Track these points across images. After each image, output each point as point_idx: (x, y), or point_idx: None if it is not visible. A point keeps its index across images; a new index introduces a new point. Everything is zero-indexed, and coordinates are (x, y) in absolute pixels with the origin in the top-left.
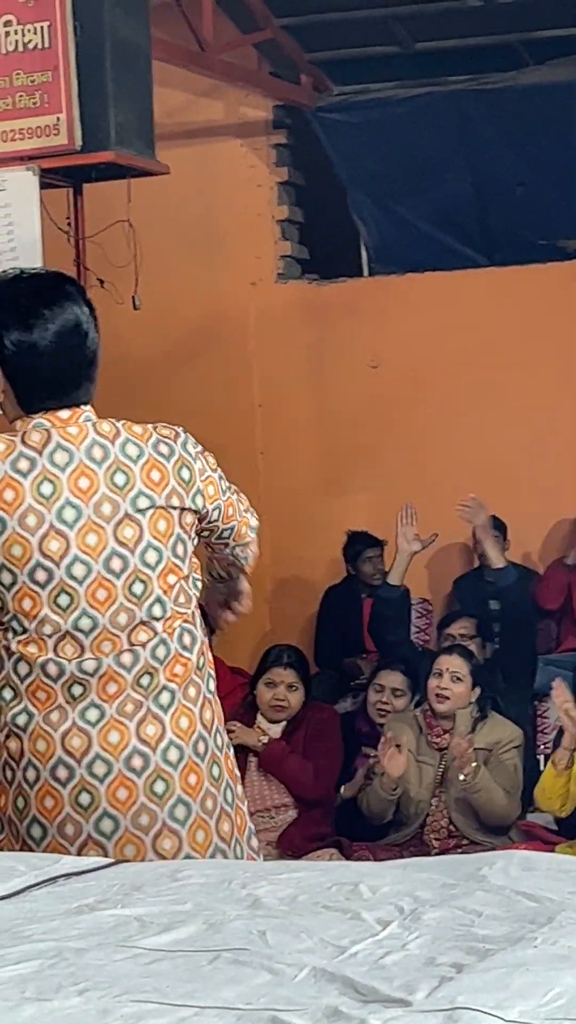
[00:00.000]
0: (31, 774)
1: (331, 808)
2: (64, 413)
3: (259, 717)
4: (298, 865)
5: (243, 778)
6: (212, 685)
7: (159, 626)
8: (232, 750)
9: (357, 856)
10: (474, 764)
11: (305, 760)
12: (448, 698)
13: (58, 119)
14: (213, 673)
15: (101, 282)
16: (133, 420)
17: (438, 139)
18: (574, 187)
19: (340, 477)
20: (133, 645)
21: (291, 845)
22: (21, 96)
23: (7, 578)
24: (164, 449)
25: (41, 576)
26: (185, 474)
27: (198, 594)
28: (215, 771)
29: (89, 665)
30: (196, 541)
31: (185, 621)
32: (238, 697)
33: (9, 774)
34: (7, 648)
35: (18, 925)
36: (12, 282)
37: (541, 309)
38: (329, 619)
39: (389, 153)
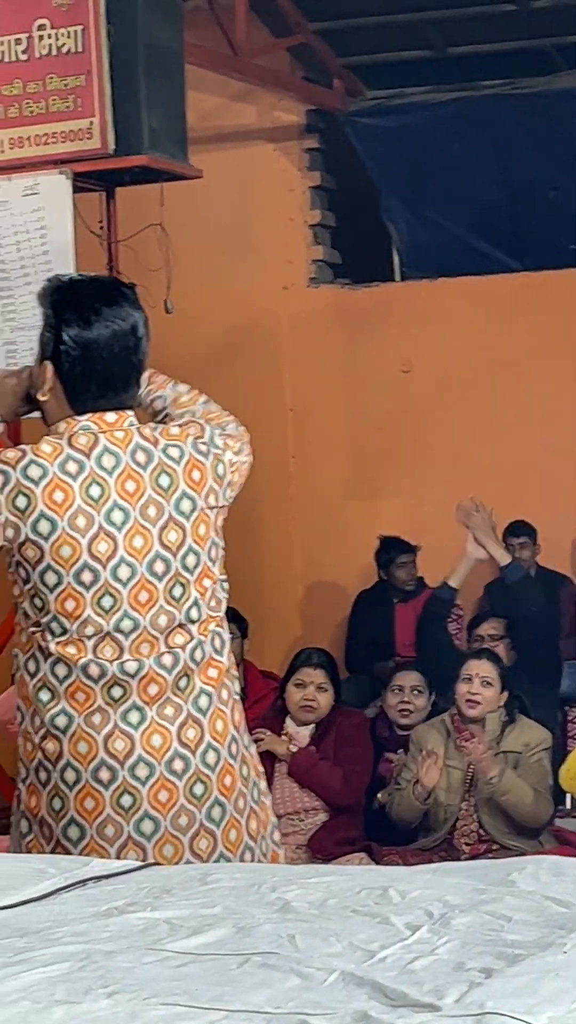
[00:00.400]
0: (70, 775)
1: (361, 812)
2: (110, 416)
3: (288, 721)
4: (327, 869)
5: (272, 781)
6: (237, 687)
7: (195, 629)
8: (254, 746)
9: (387, 860)
10: (498, 767)
11: (335, 766)
12: (479, 703)
13: (91, 123)
14: (237, 675)
15: (133, 286)
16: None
17: (471, 143)
18: None
19: (371, 481)
20: (171, 647)
21: (321, 849)
22: (54, 100)
23: (51, 579)
24: (202, 447)
25: (87, 577)
26: (220, 469)
27: (226, 597)
28: (244, 771)
29: (131, 666)
30: (223, 543)
31: (217, 624)
32: (270, 701)
33: (44, 775)
34: (45, 650)
35: (48, 928)
36: (73, 283)
37: (574, 313)
38: (360, 624)
39: (422, 157)
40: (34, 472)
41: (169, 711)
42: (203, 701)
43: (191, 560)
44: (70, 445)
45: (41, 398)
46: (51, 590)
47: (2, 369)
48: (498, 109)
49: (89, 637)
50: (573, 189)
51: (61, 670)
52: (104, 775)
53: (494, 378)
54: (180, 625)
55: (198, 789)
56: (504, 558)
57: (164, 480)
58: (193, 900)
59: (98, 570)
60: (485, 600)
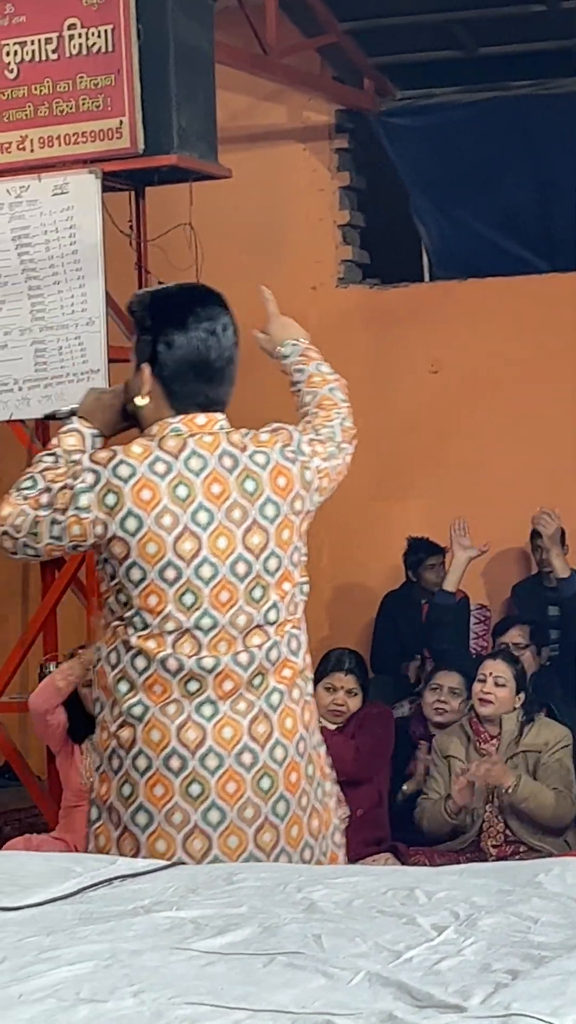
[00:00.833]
0: (142, 762)
1: (387, 813)
2: (201, 419)
3: None
4: (354, 869)
5: None
6: (310, 688)
7: (272, 630)
8: (324, 748)
9: (413, 861)
10: (513, 776)
11: (347, 739)
12: (491, 703)
13: (121, 122)
14: (311, 676)
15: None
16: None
17: (501, 144)
18: None
19: (400, 482)
20: (248, 647)
21: (347, 849)
22: (84, 99)
23: (136, 575)
24: (289, 455)
25: (170, 574)
26: (308, 476)
27: (305, 600)
28: (310, 770)
29: (208, 663)
30: (305, 548)
31: (294, 627)
32: None
33: (116, 762)
34: (126, 643)
35: (74, 926)
36: (167, 291)
37: None
38: (387, 625)
39: (452, 158)
40: (123, 471)
41: (241, 706)
42: (275, 698)
43: (273, 563)
44: (159, 447)
45: (140, 402)
46: (135, 586)
47: (98, 387)
48: (528, 109)
49: (169, 633)
50: None
51: (140, 663)
52: (175, 763)
53: (523, 378)
54: (258, 626)
55: (265, 783)
56: (564, 571)
57: (250, 485)
58: (219, 899)
59: (181, 568)
60: (512, 602)
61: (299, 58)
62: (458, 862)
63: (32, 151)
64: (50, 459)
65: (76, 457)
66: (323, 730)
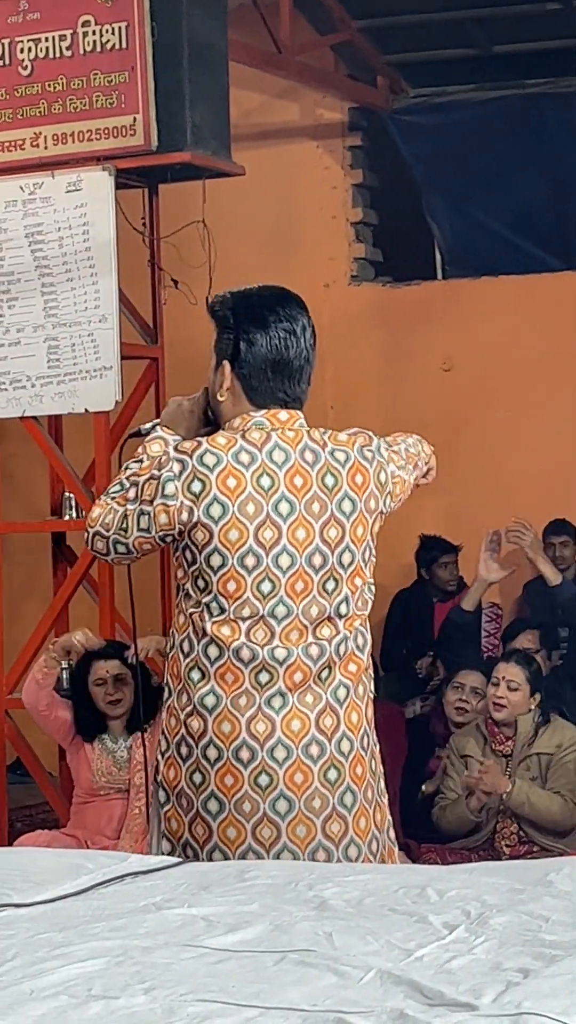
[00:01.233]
0: (212, 752)
1: (399, 814)
2: (283, 415)
3: None
4: (364, 867)
5: None
6: (372, 685)
7: (342, 624)
8: (379, 746)
9: (425, 859)
10: (507, 784)
11: None
12: (504, 706)
13: (134, 119)
14: (373, 676)
15: (175, 283)
16: None
17: (515, 142)
18: None
19: None
20: (318, 639)
21: None
22: (98, 96)
23: (216, 560)
24: (368, 455)
25: (250, 561)
26: (383, 477)
27: (372, 599)
28: (372, 764)
29: (280, 653)
30: (375, 549)
31: (361, 623)
32: None
33: (185, 750)
34: (201, 631)
35: (85, 923)
36: (248, 291)
37: None
38: (398, 623)
39: (465, 156)
40: (209, 460)
41: (309, 699)
42: (341, 693)
43: (347, 558)
44: (243, 438)
45: (220, 398)
46: (215, 571)
47: (179, 396)
48: (542, 108)
49: (244, 619)
50: None
51: (213, 651)
52: (244, 754)
53: (535, 377)
54: (329, 618)
55: (332, 774)
56: (556, 577)
57: (329, 480)
58: (230, 897)
59: (261, 555)
60: (524, 600)
61: (313, 56)
62: (470, 860)
63: (46, 148)
64: (136, 465)
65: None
66: None
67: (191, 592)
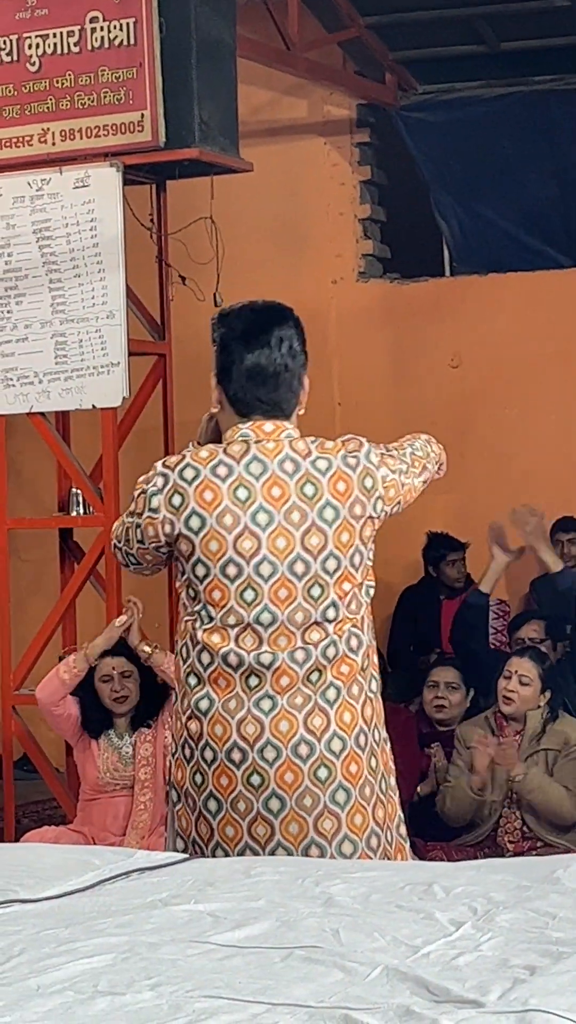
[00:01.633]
0: (208, 754)
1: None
2: (268, 426)
3: None
4: (371, 864)
5: None
6: (375, 685)
7: (331, 628)
8: (389, 744)
9: (431, 856)
10: (522, 766)
11: None
12: (514, 700)
13: (142, 115)
14: (376, 675)
15: (183, 279)
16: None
17: (522, 139)
18: None
19: None
20: (306, 643)
21: None
22: (106, 92)
23: (201, 571)
24: (351, 461)
25: (232, 571)
26: (368, 483)
27: (369, 601)
28: (373, 762)
29: (266, 658)
30: (372, 551)
31: (354, 625)
32: None
33: (188, 752)
34: (194, 638)
35: (92, 919)
36: (233, 310)
37: None
38: (405, 620)
39: (473, 153)
40: (188, 473)
41: (298, 700)
42: (331, 694)
43: (331, 564)
44: (224, 452)
45: (214, 410)
46: (201, 581)
47: (208, 412)
48: (550, 105)
49: (232, 627)
50: None
51: (206, 658)
52: (236, 756)
53: (543, 373)
54: (316, 623)
55: (322, 773)
56: (557, 564)
57: (309, 489)
58: (237, 893)
59: (242, 565)
60: (531, 596)
61: (321, 52)
62: (475, 857)
63: (54, 144)
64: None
65: None
66: None
67: (186, 602)
